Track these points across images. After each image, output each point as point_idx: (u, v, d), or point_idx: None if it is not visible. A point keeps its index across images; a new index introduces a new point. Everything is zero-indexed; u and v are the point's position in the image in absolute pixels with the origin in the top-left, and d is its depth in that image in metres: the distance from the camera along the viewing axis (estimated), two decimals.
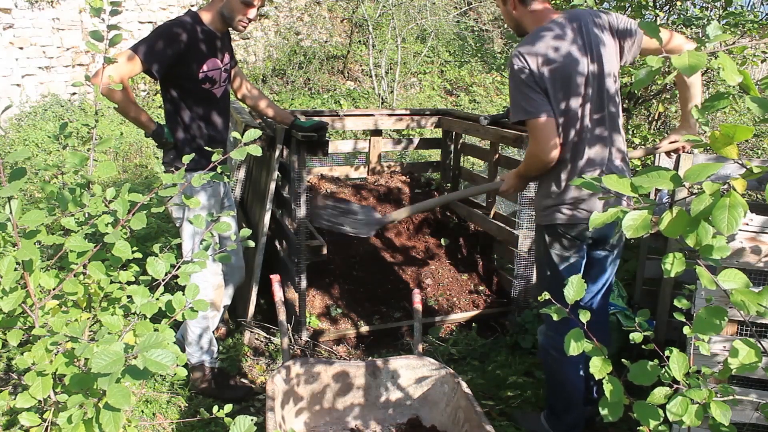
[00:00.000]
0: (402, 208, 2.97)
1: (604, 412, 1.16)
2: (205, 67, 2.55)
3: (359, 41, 10.55)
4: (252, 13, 2.50)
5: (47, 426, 1.21)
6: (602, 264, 2.36)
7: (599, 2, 3.87)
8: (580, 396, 2.41)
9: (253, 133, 1.36)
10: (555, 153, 2.17)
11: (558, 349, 2.35)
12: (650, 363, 1.15)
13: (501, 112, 3.68)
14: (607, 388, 1.16)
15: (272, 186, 3.02)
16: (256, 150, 1.33)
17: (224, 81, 2.71)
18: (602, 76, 2.15)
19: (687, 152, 2.48)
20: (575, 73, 2.11)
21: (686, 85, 2.24)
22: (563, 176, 2.22)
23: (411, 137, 6.25)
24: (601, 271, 2.37)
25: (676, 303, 1.41)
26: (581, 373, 2.37)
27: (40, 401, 1.17)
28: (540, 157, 2.19)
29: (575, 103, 2.14)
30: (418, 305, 2.43)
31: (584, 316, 1.27)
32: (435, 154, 5.82)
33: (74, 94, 8.38)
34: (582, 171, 2.20)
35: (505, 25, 11.03)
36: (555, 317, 1.30)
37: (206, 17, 2.56)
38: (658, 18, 3.87)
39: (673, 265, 0.99)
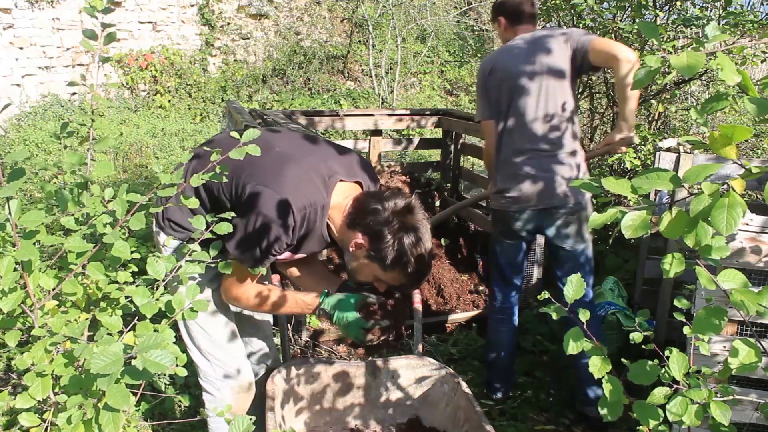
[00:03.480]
0: None
1: (603, 411, 1.16)
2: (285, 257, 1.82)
3: (359, 41, 10.55)
4: (383, 288, 1.81)
5: (47, 426, 1.21)
6: (556, 256, 2.63)
7: (599, 2, 3.87)
8: (503, 352, 2.82)
9: (253, 133, 1.36)
10: (493, 150, 2.64)
11: (490, 308, 2.87)
12: (650, 363, 1.15)
13: None
14: (607, 387, 1.15)
15: None
16: (255, 150, 1.33)
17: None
18: (542, 80, 2.46)
19: (622, 152, 2.71)
20: (512, 82, 2.51)
21: (622, 87, 2.39)
22: (496, 170, 2.62)
23: (411, 137, 6.26)
24: (559, 265, 2.63)
25: (676, 303, 1.40)
26: (505, 334, 2.82)
27: (39, 401, 1.17)
28: (488, 154, 2.70)
29: (510, 107, 2.53)
30: (418, 305, 2.43)
31: (584, 316, 1.26)
32: (435, 154, 5.82)
33: (74, 94, 8.38)
34: (506, 165, 2.56)
35: None
36: (555, 316, 1.30)
37: (330, 220, 1.75)
38: (657, 18, 3.87)
39: (672, 265, 0.98)
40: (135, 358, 0.98)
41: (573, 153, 2.51)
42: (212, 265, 1.56)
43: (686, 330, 1.23)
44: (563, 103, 2.49)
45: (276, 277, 2.28)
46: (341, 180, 1.76)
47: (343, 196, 1.75)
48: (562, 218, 2.50)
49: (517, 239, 2.66)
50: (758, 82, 1.02)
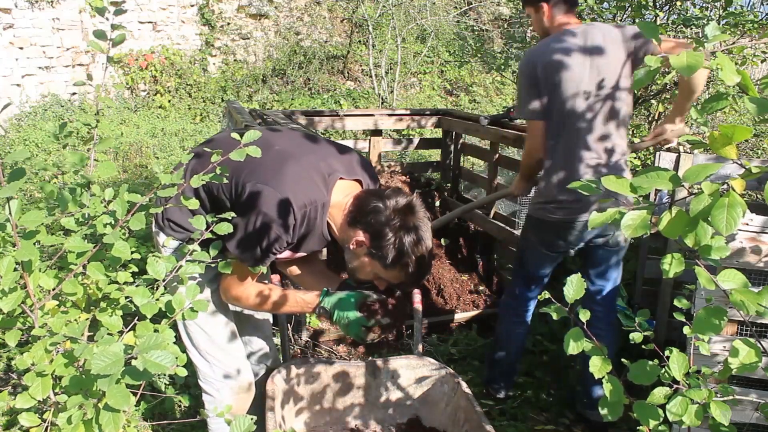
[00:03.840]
0: None
1: (603, 411, 1.16)
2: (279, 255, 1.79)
3: (359, 41, 10.55)
4: (382, 286, 1.80)
5: (47, 426, 1.21)
6: (592, 256, 2.51)
7: (599, 2, 3.87)
8: (513, 351, 2.76)
9: (253, 134, 1.35)
10: (540, 153, 2.42)
11: (506, 307, 2.76)
12: (650, 363, 1.15)
13: (501, 112, 3.69)
14: (607, 387, 1.15)
15: None
16: (256, 151, 1.32)
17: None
18: (601, 85, 2.27)
19: (670, 146, 2.61)
20: (571, 80, 2.28)
21: (689, 87, 2.28)
22: (544, 176, 2.44)
23: (411, 137, 6.25)
24: (593, 265, 2.52)
25: (676, 303, 1.40)
26: (519, 336, 2.75)
27: (39, 401, 1.17)
28: (530, 155, 2.48)
29: (567, 107, 2.30)
30: (418, 305, 2.43)
31: (584, 316, 1.26)
32: (435, 154, 5.82)
33: (74, 94, 8.38)
34: (565, 174, 2.36)
35: (506, 25, 11.03)
36: (555, 316, 1.29)
37: (330, 218, 1.75)
38: (657, 18, 3.87)
39: (672, 265, 0.98)
40: (135, 358, 0.98)
41: (624, 155, 2.40)
42: (212, 266, 1.55)
43: (686, 330, 1.23)
44: (620, 109, 2.33)
45: (276, 277, 2.28)
46: (341, 178, 1.75)
47: (343, 194, 1.74)
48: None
49: (562, 251, 2.50)
50: (758, 82, 1.02)
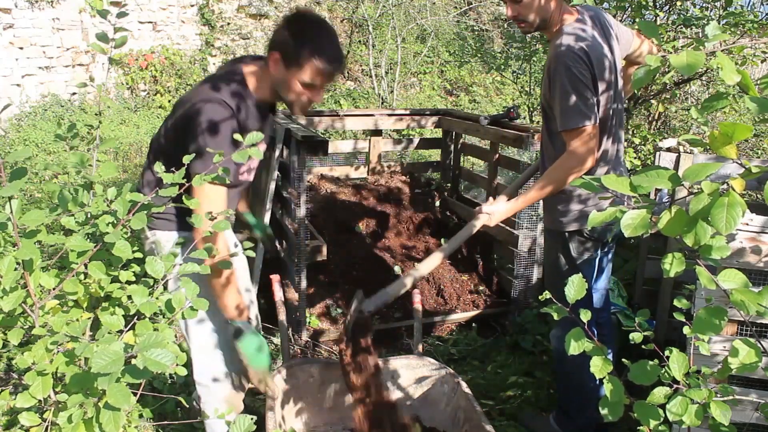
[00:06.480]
0: (422, 266, 2.33)
1: (604, 411, 1.16)
2: (243, 167, 1.92)
3: (359, 41, 10.55)
4: (319, 96, 1.85)
5: (47, 426, 1.21)
6: (610, 260, 2.39)
7: (599, 2, 3.87)
8: (596, 398, 2.38)
9: (255, 136, 1.36)
10: (593, 159, 2.08)
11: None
12: (650, 363, 1.15)
13: (501, 112, 3.69)
14: (608, 387, 1.16)
15: (272, 186, 3.02)
16: (258, 153, 1.33)
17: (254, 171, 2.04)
18: (618, 75, 2.16)
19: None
20: (610, 74, 2.07)
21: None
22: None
23: (411, 137, 6.26)
24: (610, 268, 2.40)
25: (676, 303, 1.40)
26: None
27: (40, 401, 1.17)
28: (584, 167, 2.06)
29: (608, 103, 2.11)
30: (418, 305, 2.43)
31: (585, 316, 1.26)
32: (435, 154, 5.82)
33: (74, 94, 8.38)
34: (606, 170, 2.20)
35: (506, 25, 11.02)
36: (555, 316, 1.29)
37: (253, 85, 1.88)
38: (657, 18, 3.87)
39: (673, 265, 0.99)
40: (135, 357, 0.98)
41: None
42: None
43: (686, 330, 1.23)
44: (622, 95, 2.26)
45: (276, 277, 2.29)
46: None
47: (255, 65, 1.89)
48: None
49: (605, 249, 2.32)
50: (758, 82, 1.03)
